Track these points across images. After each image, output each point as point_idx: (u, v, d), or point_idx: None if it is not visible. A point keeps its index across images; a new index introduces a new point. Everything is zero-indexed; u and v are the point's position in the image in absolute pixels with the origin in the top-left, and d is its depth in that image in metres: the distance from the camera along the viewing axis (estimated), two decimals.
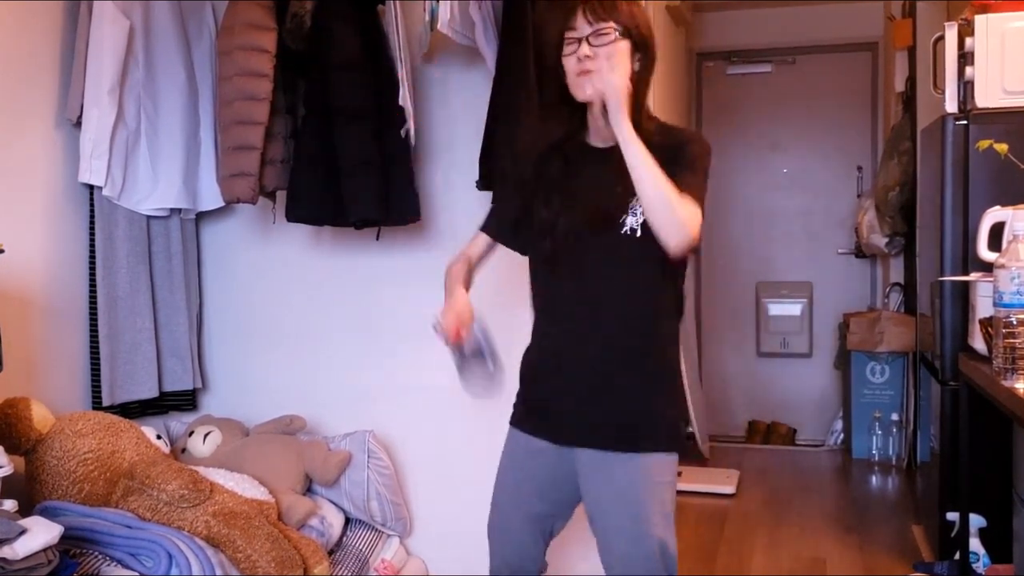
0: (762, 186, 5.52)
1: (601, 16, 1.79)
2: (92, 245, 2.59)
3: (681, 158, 1.79)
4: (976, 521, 2.63)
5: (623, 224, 1.81)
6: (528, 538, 2.03)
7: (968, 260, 2.71)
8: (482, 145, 2.52)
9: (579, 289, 1.88)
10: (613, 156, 1.78)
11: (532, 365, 2.00)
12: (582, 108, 1.88)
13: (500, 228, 2.03)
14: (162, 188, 2.69)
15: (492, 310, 2.02)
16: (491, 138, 2.48)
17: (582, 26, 1.80)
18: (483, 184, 2.54)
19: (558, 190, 1.90)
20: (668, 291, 1.90)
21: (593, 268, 1.86)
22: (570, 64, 1.82)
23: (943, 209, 2.83)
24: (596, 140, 1.91)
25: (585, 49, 1.79)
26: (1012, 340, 1.93)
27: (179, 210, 2.82)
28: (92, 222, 2.60)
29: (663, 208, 1.69)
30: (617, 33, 1.79)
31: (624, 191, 1.78)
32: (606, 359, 1.86)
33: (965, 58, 2.77)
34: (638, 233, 1.80)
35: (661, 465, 1.86)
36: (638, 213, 1.79)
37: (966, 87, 2.77)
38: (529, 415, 2.00)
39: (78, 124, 2.53)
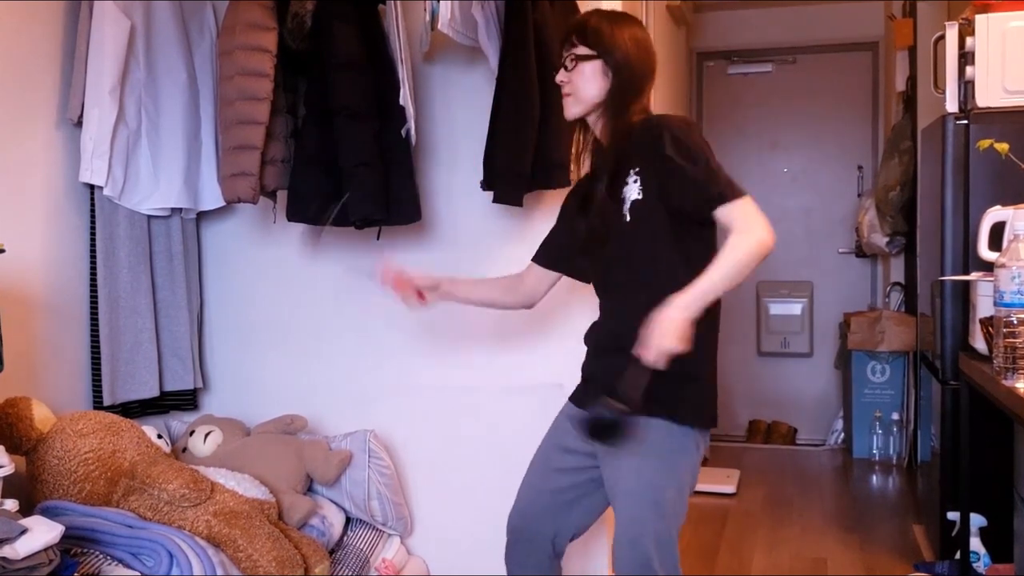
0: (762, 186, 5.52)
1: (572, 42, 1.96)
2: (93, 245, 2.59)
3: (669, 149, 1.84)
4: (977, 520, 2.63)
5: (621, 213, 1.92)
6: (546, 493, 2.05)
7: (968, 260, 2.72)
8: (486, 146, 2.52)
9: (606, 276, 2.03)
10: (608, 151, 1.96)
11: (587, 346, 2.11)
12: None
13: (547, 254, 2.21)
14: (163, 188, 2.69)
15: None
16: (494, 139, 2.48)
17: (565, 51, 1.98)
18: (486, 185, 2.54)
19: (587, 192, 2.04)
20: (684, 265, 1.87)
21: (611, 255, 1.98)
22: None
23: (943, 209, 2.83)
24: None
25: (561, 75, 1.98)
26: (1012, 340, 1.93)
27: (180, 210, 2.82)
28: (93, 222, 2.60)
29: (749, 267, 1.80)
30: (582, 57, 1.94)
31: (614, 183, 1.92)
32: (627, 334, 1.88)
33: (966, 58, 2.77)
34: (627, 218, 1.91)
35: (688, 438, 1.91)
36: (627, 200, 1.90)
37: (967, 87, 2.78)
38: (576, 390, 2.11)
39: (79, 124, 2.52)
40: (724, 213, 1.82)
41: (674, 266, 1.88)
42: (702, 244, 1.91)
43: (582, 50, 1.94)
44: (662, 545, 1.87)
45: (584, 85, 1.94)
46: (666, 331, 1.74)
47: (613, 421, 1.78)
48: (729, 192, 1.83)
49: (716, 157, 1.89)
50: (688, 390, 1.90)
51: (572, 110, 1.99)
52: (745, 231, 1.78)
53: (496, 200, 2.54)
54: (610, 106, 1.94)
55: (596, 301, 2.09)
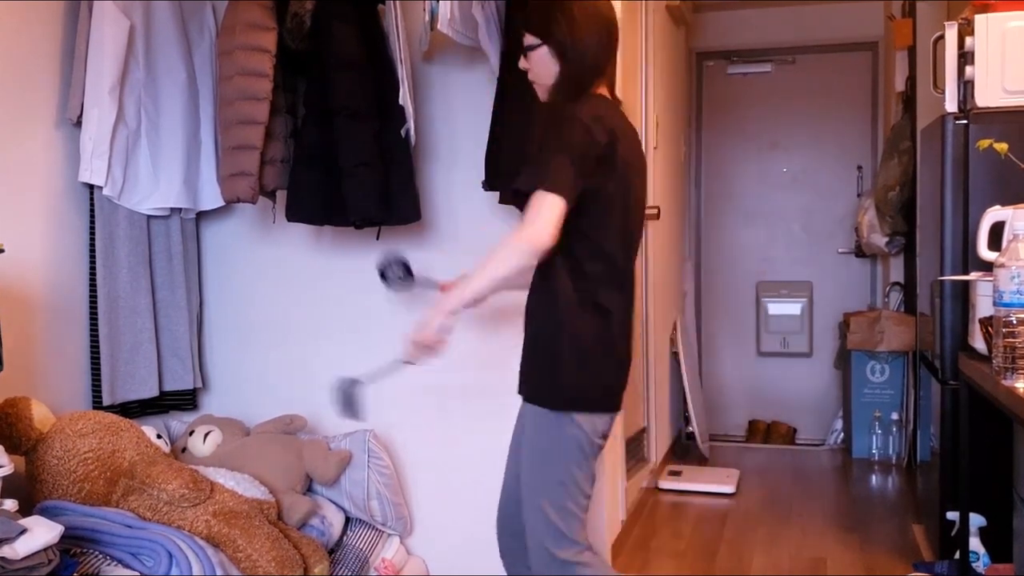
0: (762, 186, 5.53)
1: (525, 29, 1.98)
2: (92, 245, 2.59)
3: (544, 146, 1.87)
4: (976, 520, 2.63)
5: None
6: (515, 483, 2.09)
7: (968, 259, 2.71)
8: (487, 147, 2.52)
9: None
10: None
11: None
12: None
13: None
14: (162, 188, 2.69)
15: None
16: (497, 139, 2.48)
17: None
18: (488, 185, 2.54)
19: None
20: (568, 266, 1.90)
21: None
22: None
23: (943, 209, 2.83)
24: None
25: (522, 62, 2.00)
26: (1012, 339, 1.93)
27: (179, 210, 2.82)
28: (92, 222, 2.60)
29: (514, 264, 1.81)
30: (529, 46, 1.96)
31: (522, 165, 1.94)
32: (526, 321, 2.00)
33: (965, 58, 2.77)
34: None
35: (537, 417, 1.93)
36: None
37: (966, 87, 2.78)
38: None
39: (78, 124, 2.53)
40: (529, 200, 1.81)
41: (559, 261, 1.90)
42: (582, 240, 1.89)
43: (529, 39, 1.95)
44: (537, 530, 1.94)
45: (541, 72, 1.96)
46: (419, 328, 1.86)
47: (344, 393, 2.03)
48: (538, 182, 1.80)
49: (575, 153, 1.82)
50: (548, 375, 1.92)
51: (541, 95, 2.00)
52: (521, 226, 1.80)
53: (502, 201, 2.54)
54: (562, 89, 1.93)
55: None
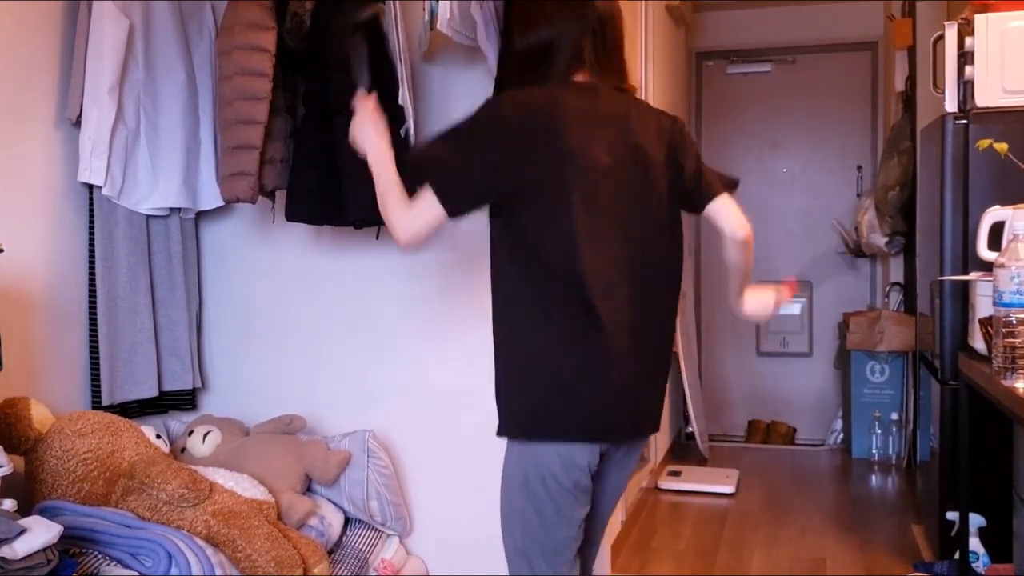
0: (762, 186, 5.53)
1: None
2: (92, 245, 2.59)
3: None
4: (976, 520, 2.63)
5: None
6: None
7: (968, 259, 2.72)
8: None
9: None
10: None
11: None
12: None
13: None
14: (162, 188, 2.69)
15: None
16: None
17: None
18: None
19: None
20: (511, 275, 1.83)
21: None
22: None
23: (943, 208, 2.83)
24: None
25: None
26: (1012, 339, 1.93)
27: (179, 209, 2.81)
28: (92, 222, 2.59)
29: (383, 210, 1.84)
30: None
31: None
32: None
33: (965, 57, 2.78)
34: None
35: (508, 449, 1.90)
36: None
37: (966, 87, 2.78)
38: None
39: (78, 124, 2.52)
40: None
41: (511, 282, 1.84)
42: (519, 241, 1.81)
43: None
44: (510, 558, 1.89)
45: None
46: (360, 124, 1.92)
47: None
48: (429, 173, 1.83)
49: (475, 147, 1.82)
50: (500, 402, 1.91)
51: None
52: (407, 215, 1.83)
53: None
54: (513, 76, 1.89)
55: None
